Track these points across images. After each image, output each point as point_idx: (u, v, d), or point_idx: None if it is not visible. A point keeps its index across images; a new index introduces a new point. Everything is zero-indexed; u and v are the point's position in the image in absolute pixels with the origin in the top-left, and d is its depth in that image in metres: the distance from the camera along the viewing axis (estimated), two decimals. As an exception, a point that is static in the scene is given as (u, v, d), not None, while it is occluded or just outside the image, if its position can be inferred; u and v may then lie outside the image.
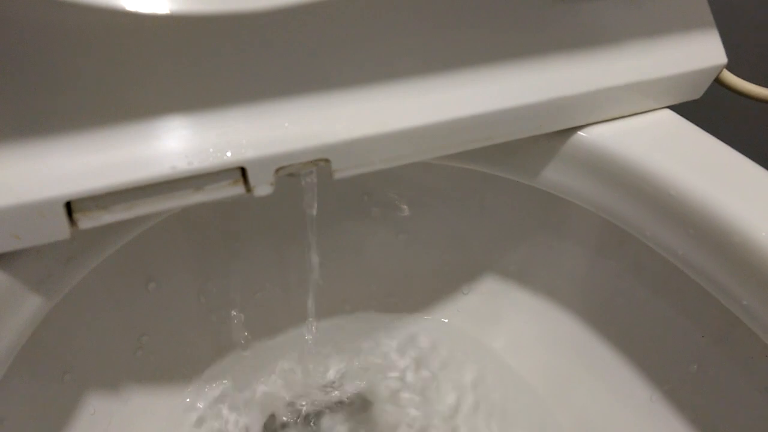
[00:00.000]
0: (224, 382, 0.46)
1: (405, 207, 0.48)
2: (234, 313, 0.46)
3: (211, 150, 0.27)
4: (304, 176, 0.31)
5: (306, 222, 0.35)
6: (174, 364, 0.44)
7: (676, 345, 0.39)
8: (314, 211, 0.34)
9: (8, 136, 0.25)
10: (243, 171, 0.27)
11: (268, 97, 0.28)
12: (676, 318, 0.38)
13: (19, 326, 0.28)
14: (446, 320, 0.51)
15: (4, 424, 0.32)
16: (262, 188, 0.28)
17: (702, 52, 0.36)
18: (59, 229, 0.25)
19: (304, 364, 0.48)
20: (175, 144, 0.27)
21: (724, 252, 0.30)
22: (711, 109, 0.43)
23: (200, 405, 0.45)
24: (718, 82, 0.39)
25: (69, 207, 0.25)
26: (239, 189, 0.28)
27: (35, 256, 0.28)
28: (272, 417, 0.46)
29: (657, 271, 0.39)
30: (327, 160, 0.29)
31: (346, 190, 0.46)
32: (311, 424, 0.47)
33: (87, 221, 0.26)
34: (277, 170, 0.28)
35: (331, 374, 0.49)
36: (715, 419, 0.37)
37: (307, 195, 0.33)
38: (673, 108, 0.37)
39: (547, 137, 0.35)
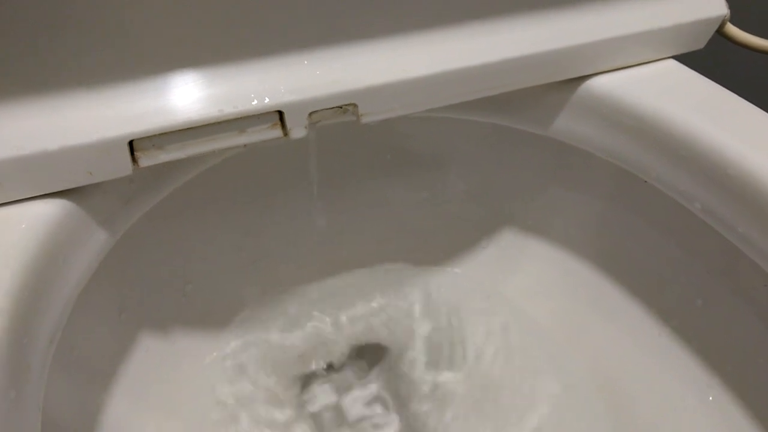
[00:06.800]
0: (262, 328, 0.50)
1: (428, 165, 0.51)
2: (269, 264, 0.49)
3: (252, 95, 0.30)
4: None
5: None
6: (215, 311, 0.48)
7: (682, 282, 0.41)
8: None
9: (81, 85, 0.28)
10: (281, 115, 0.31)
11: (303, 48, 0.31)
12: (682, 257, 0.41)
13: (90, 257, 0.32)
14: (466, 273, 0.54)
15: (74, 352, 0.37)
16: (298, 131, 0.32)
17: (702, 3, 0.38)
18: (123, 165, 0.29)
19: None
20: (221, 90, 0.30)
21: (719, 184, 0.32)
22: (715, 61, 0.45)
23: (238, 350, 0.49)
24: (721, 34, 0.41)
25: (131, 146, 0.29)
26: (277, 132, 0.31)
27: (101, 196, 0.32)
28: (304, 363, 0.50)
29: (664, 214, 0.41)
30: (355, 105, 0.32)
31: (371, 149, 0.49)
32: (342, 369, 0.50)
33: (146, 159, 0.30)
34: (311, 114, 0.31)
35: (357, 324, 0.53)
36: (720, 350, 0.40)
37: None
38: (678, 59, 0.39)
39: (557, 87, 0.38)
